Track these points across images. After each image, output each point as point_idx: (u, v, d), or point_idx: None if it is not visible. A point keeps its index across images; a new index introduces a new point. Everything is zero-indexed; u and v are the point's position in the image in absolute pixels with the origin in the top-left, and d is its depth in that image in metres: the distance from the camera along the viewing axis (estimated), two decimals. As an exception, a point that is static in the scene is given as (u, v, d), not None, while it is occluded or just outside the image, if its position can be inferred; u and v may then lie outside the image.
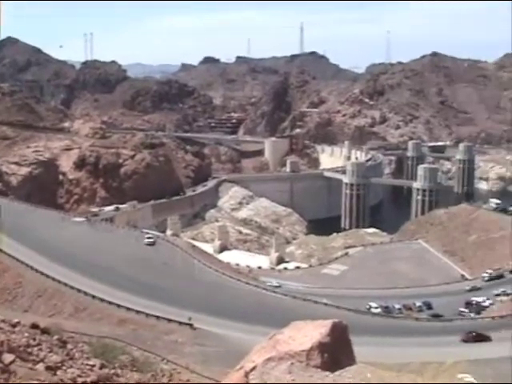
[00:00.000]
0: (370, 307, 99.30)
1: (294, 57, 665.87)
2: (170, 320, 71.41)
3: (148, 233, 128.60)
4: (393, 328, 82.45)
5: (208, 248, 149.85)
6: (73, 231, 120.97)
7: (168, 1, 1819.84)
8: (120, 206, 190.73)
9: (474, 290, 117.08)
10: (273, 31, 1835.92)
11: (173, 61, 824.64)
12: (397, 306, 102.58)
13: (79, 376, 14.17)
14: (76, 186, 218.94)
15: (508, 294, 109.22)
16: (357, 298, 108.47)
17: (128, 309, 74.35)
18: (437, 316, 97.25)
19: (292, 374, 9.94)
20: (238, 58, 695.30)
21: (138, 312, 73.64)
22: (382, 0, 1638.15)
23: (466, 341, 70.58)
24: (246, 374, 10.11)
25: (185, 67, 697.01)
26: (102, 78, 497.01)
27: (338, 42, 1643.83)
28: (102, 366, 16.84)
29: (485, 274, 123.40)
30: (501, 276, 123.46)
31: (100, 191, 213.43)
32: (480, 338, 70.64)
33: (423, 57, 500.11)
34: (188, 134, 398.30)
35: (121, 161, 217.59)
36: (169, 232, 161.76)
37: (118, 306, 75.40)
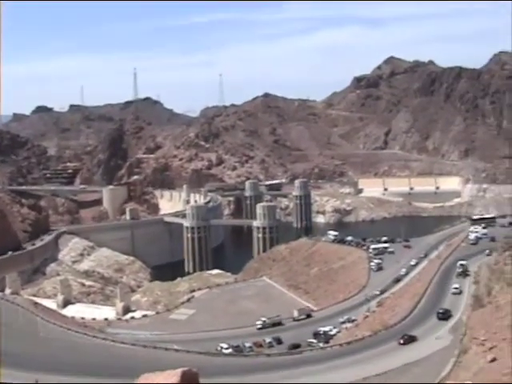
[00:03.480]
0: (221, 348, 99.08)
1: (128, 103, 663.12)
2: (13, 384, 67.49)
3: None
4: (245, 367, 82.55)
5: (51, 304, 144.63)
6: None
7: None
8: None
9: (267, 327, 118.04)
10: (106, 78, 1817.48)
11: (3, 111, 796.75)
12: (247, 345, 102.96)
13: None
14: None
15: (353, 321, 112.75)
16: (207, 340, 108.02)
17: (-35, 378, 69.52)
18: (297, 347, 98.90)
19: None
20: (72, 106, 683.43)
21: (-24, 380, 68.97)
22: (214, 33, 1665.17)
23: (403, 343, 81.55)
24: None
25: (16, 117, 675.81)
26: None
27: (171, 87, 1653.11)
28: None
29: (258, 322, 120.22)
30: (278, 323, 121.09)
31: None
32: (411, 338, 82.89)
33: (255, 98, 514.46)
34: (23, 187, 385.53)
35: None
36: (8, 290, 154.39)
37: (-46, 377, 70.39)
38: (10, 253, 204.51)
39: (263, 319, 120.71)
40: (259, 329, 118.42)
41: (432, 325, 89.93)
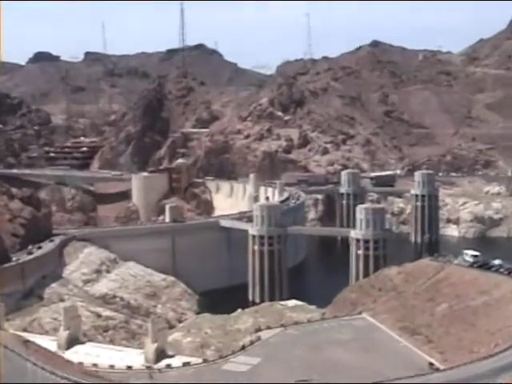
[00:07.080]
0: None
1: (171, 52, 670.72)
2: None
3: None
4: None
5: (49, 343, 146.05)
6: None
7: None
8: None
9: None
10: (139, 15, 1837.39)
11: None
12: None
13: None
14: None
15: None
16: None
17: None
18: None
19: None
20: (88, 54, 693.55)
21: None
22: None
23: None
24: None
25: (6, 68, 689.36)
26: None
27: (234, 31, 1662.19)
28: None
29: None
30: None
31: None
32: None
33: (358, 48, 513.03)
34: (14, 171, 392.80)
35: None
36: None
37: None
38: None
39: None
40: None
41: None
